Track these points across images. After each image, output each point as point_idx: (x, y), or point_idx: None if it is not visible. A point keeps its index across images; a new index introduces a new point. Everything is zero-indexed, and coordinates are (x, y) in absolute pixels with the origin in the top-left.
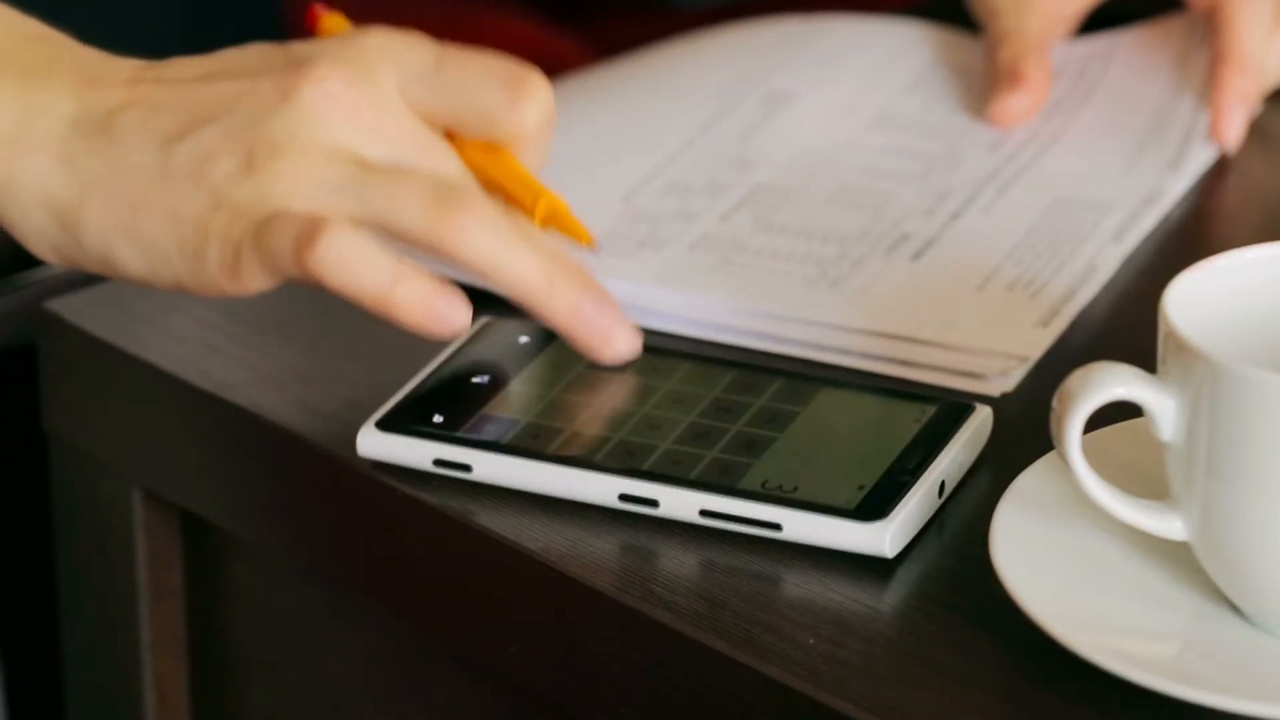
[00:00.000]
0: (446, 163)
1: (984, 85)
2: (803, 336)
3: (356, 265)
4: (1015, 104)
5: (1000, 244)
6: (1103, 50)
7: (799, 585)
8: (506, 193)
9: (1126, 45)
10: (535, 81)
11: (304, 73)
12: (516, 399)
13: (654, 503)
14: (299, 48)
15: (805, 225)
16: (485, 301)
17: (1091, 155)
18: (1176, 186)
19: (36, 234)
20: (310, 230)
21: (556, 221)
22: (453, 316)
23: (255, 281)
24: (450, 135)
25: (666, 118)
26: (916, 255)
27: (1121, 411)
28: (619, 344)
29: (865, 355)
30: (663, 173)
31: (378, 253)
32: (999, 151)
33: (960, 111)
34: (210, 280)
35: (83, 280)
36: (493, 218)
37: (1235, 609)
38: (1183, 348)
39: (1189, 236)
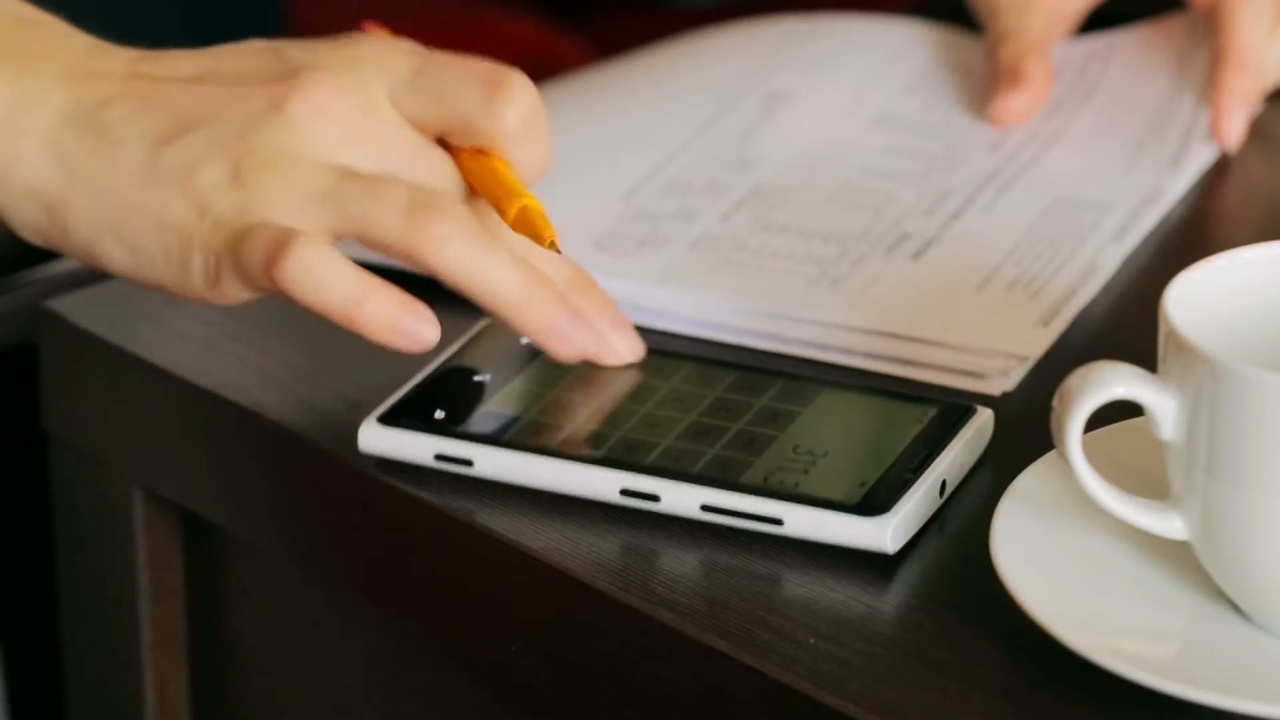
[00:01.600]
0: (437, 170)
1: (984, 85)
2: (803, 335)
3: (324, 280)
4: (1016, 103)
5: (1000, 243)
6: (1103, 50)
7: (800, 585)
8: (490, 197)
9: (1126, 45)
10: (514, 81)
11: (294, 84)
12: (518, 395)
13: (655, 498)
14: (293, 52)
15: (805, 225)
16: None
17: (1091, 155)
18: (1176, 186)
19: (24, 221)
20: (280, 244)
21: (526, 223)
22: (421, 332)
23: (234, 293)
24: (445, 142)
25: (666, 117)
26: (917, 255)
27: (1121, 411)
28: (610, 354)
29: (866, 354)
30: (663, 172)
31: (346, 267)
32: (999, 151)
33: (960, 111)
34: (192, 288)
35: (83, 280)
36: (469, 228)
37: (1235, 609)
38: (1183, 347)
39: (1189, 236)
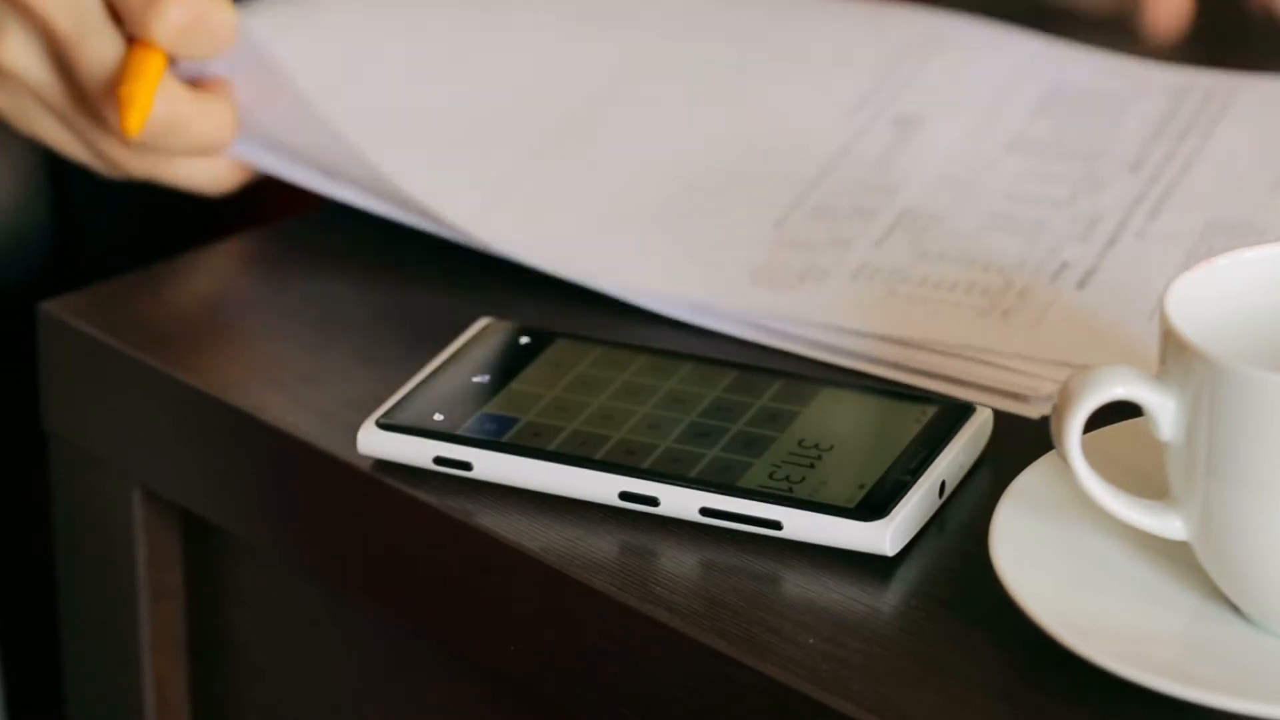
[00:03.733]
0: (100, 48)
1: (1110, 104)
2: (985, 377)
3: None
4: (1166, 4)
5: (1162, 270)
6: (1227, 84)
7: (799, 585)
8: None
9: (1251, 82)
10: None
11: None
12: (517, 398)
13: (654, 501)
14: None
15: (963, 252)
16: (484, 300)
17: (1236, 174)
18: None
19: None
20: None
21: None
22: None
23: None
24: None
25: (801, 141)
26: (1081, 284)
27: (1121, 411)
28: None
29: (1048, 398)
30: (809, 198)
31: None
32: (1140, 173)
33: (1093, 132)
34: None
35: (83, 280)
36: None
37: (1235, 609)
38: (1183, 347)
39: None
